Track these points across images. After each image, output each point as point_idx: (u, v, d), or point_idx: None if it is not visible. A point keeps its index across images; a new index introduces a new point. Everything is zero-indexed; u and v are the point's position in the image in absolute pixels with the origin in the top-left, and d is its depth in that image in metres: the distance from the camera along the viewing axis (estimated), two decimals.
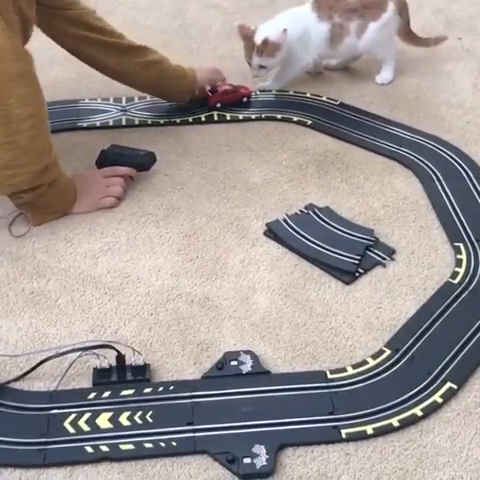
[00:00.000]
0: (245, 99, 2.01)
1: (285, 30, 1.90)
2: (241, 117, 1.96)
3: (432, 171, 1.76)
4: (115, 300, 1.43)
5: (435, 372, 1.27)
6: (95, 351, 1.27)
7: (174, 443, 1.17)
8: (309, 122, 1.94)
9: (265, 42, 1.91)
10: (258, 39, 1.92)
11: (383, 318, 1.40)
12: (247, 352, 1.31)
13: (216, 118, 1.95)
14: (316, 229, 1.58)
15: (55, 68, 2.15)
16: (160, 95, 1.96)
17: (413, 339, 1.34)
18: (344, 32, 1.99)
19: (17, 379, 1.27)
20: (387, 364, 1.29)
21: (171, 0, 2.57)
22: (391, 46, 2.09)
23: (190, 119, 1.95)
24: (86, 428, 1.19)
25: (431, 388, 1.25)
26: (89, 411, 1.21)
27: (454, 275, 1.48)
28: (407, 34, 2.09)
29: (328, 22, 1.98)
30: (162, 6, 2.54)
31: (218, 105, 1.98)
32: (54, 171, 1.54)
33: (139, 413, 1.21)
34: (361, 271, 1.49)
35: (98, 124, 1.92)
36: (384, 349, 1.32)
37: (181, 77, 1.89)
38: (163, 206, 1.67)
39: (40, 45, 2.26)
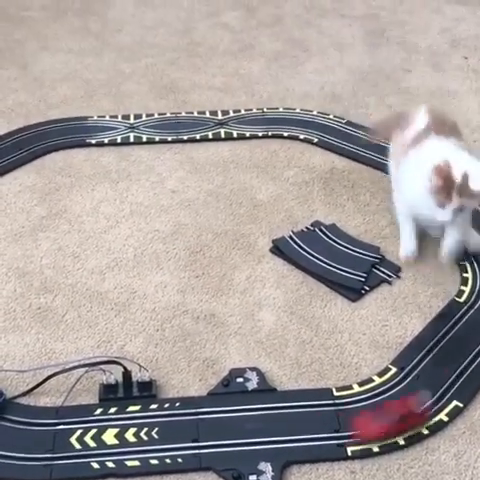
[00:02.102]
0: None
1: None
2: (248, 134, 1.97)
3: None
4: (121, 316, 1.44)
5: (441, 390, 1.27)
6: (101, 367, 1.28)
7: (180, 460, 1.17)
8: (315, 140, 1.95)
9: (466, 178, 1.41)
10: (458, 175, 1.41)
11: (389, 336, 1.40)
12: (253, 369, 1.31)
13: (223, 135, 1.97)
14: (322, 246, 1.58)
15: (64, 86, 2.17)
16: None
17: (419, 357, 1.34)
18: None
19: (24, 394, 1.28)
20: (393, 382, 1.29)
21: (179, 18, 2.59)
22: None
23: (197, 136, 1.96)
24: (92, 444, 1.19)
25: (437, 406, 1.25)
26: (95, 427, 1.21)
27: (460, 293, 1.48)
28: None
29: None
30: (170, 24, 2.56)
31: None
32: None
33: (145, 429, 1.21)
34: (367, 288, 1.50)
35: (106, 141, 1.94)
36: (390, 367, 1.32)
37: None
38: (170, 222, 1.67)
39: (51, 63, 2.30)
